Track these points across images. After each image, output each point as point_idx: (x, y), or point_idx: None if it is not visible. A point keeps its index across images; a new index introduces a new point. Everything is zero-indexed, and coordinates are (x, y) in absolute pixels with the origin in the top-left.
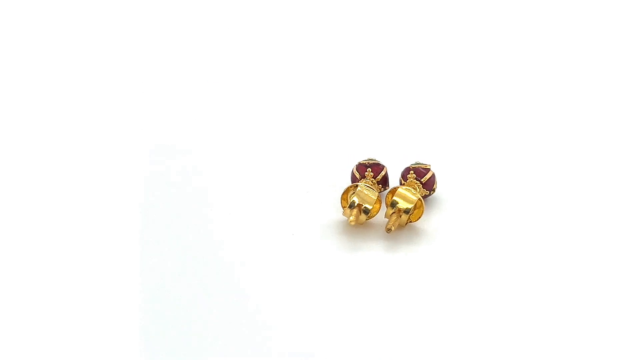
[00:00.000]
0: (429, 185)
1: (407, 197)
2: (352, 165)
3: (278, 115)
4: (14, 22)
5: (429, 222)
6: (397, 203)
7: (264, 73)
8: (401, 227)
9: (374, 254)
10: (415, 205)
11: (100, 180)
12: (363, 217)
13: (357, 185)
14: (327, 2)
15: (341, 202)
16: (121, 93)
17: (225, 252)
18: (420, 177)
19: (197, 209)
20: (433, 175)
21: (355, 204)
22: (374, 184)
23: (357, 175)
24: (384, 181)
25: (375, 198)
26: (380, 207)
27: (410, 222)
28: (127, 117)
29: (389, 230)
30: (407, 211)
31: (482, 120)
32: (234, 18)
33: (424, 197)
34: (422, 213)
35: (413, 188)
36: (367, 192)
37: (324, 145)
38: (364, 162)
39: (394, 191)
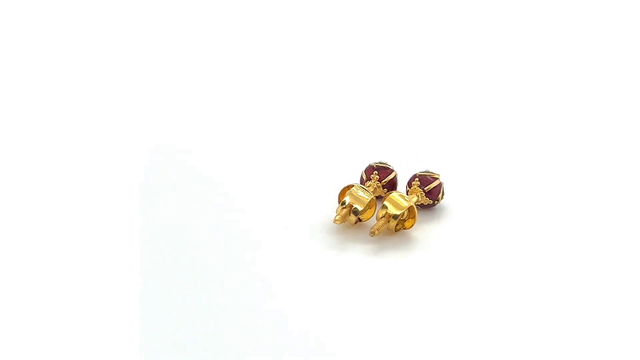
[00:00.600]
0: (433, 195)
1: (398, 202)
2: (355, 167)
3: (284, 115)
4: (14, 22)
5: (426, 230)
6: (387, 208)
7: (268, 72)
8: (391, 232)
9: (359, 257)
10: (410, 212)
11: (101, 180)
12: (352, 217)
13: (352, 185)
14: (341, 2)
15: (338, 202)
16: (121, 93)
17: (221, 251)
18: (424, 185)
19: (196, 208)
20: (439, 185)
21: (346, 204)
22: (378, 187)
23: (364, 177)
24: (391, 186)
25: (368, 200)
26: (374, 211)
27: (404, 228)
28: (127, 116)
29: (372, 233)
30: (395, 217)
31: (503, 136)
32: (235, 17)
33: (427, 206)
34: (415, 221)
35: (416, 195)
36: (360, 193)
37: (327, 146)
38: (374, 164)
39: (388, 195)
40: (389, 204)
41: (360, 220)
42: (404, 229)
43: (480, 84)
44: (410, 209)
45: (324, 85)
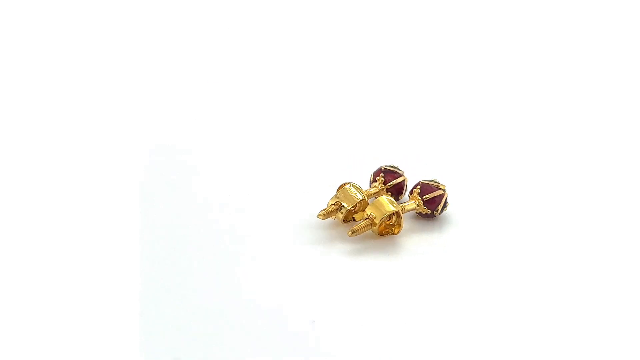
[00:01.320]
0: (432, 205)
1: (383, 206)
2: (355, 167)
3: (290, 116)
4: (14, 22)
5: (421, 238)
6: (371, 210)
7: (272, 73)
8: (376, 235)
9: (338, 256)
10: (397, 217)
11: (100, 179)
12: (340, 215)
13: (347, 184)
14: (345, 4)
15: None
16: (121, 93)
17: (216, 250)
18: (424, 193)
19: (196, 208)
20: (441, 196)
21: (336, 200)
22: (383, 190)
23: (371, 179)
24: (397, 190)
25: (359, 200)
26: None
27: (393, 234)
28: (127, 117)
29: (351, 232)
30: (378, 220)
31: (524, 155)
32: (234, 18)
33: (427, 215)
34: (401, 228)
35: (415, 202)
36: (351, 193)
37: (326, 146)
38: (384, 166)
39: (377, 198)
40: (374, 207)
41: (354, 219)
42: (393, 234)
43: (501, 98)
44: (396, 214)
45: (336, 86)
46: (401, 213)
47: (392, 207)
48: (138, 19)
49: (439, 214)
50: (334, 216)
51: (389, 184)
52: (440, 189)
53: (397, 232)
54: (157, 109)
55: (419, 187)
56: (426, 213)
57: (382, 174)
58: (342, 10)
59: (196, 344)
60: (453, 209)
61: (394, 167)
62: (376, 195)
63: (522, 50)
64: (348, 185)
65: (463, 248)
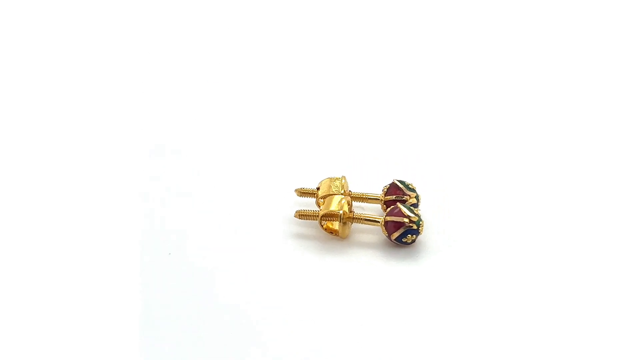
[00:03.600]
0: (389, 229)
1: (330, 204)
2: (355, 167)
3: (294, 116)
4: (14, 23)
5: (375, 250)
6: (322, 203)
7: (275, 75)
8: (327, 231)
9: (278, 239)
10: (341, 220)
11: (100, 179)
12: (313, 199)
13: (343, 177)
14: (347, 6)
15: None
16: (121, 93)
17: (216, 248)
18: (389, 214)
19: (196, 208)
20: (399, 224)
21: (319, 185)
22: (381, 200)
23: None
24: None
25: (333, 194)
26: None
27: (339, 237)
28: (127, 117)
29: (296, 214)
30: (325, 214)
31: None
32: (234, 19)
33: (387, 236)
34: (342, 232)
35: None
36: (334, 185)
37: (328, 146)
38: (395, 180)
39: (343, 195)
40: (327, 201)
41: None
42: (340, 237)
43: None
44: (341, 217)
45: (341, 87)
46: (348, 220)
47: (336, 208)
48: (138, 21)
49: (395, 241)
50: (315, 199)
51: (386, 197)
52: (406, 218)
53: (344, 237)
54: (156, 109)
55: (391, 208)
56: (386, 234)
57: (387, 185)
58: (343, 11)
59: (196, 345)
60: (442, 242)
61: (406, 184)
62: (377, 201)
63: (532, 60)
64: (338, 177)
65: (410, 280)
